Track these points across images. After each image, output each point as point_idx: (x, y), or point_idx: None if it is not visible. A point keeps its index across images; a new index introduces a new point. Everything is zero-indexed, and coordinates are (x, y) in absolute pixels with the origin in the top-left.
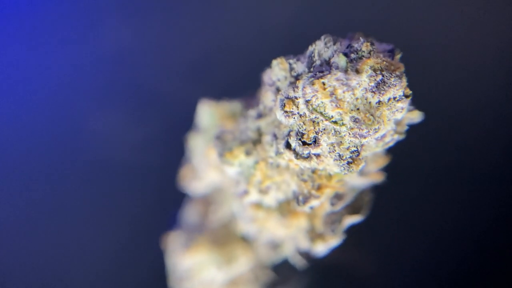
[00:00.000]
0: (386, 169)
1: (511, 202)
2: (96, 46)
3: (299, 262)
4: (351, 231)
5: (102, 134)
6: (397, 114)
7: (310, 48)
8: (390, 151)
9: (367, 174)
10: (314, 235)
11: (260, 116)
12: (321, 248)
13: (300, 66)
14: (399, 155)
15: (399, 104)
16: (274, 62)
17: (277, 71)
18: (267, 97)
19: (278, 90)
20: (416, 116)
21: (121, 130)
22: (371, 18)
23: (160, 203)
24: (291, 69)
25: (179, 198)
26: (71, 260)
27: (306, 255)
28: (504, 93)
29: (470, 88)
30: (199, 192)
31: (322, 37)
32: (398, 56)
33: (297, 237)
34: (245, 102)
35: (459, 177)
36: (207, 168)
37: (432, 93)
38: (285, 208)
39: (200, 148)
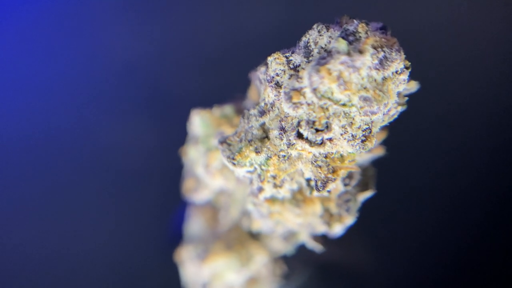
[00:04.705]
0: (385, 167)
1: (509, 198)
2: (98, 49)
3: (316, 247)
4: (350, 228)
5: (109, 139)
6: (400, 86)
7: (304, 38)
8: (389, 147)
9: (369, 150)
10: (329, 217)
11: (263, 113)
12: (338, 229)
13: (297, 58)
14: (397, 152)
15: (402, 77)
16: (270, 58)
17: (274, 66)
18: (267, 93)
19: (278, 84)
20: (413, 86)
21: (127, 135)
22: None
23: (164, 207)
24: (288, 61)
25: (183, 203)
26: (73, 263)
27: (321, 239)
28: (503, 90)
29: (467, 86)
30: (204, 201)
31: (315, 26)
32: (389, 32)
33: (313, 222)
34: (236, 104)
35: (457, 174)
36: (210, 175)
37: (429, 90)
38: (299, 197)
39: (201, 158)
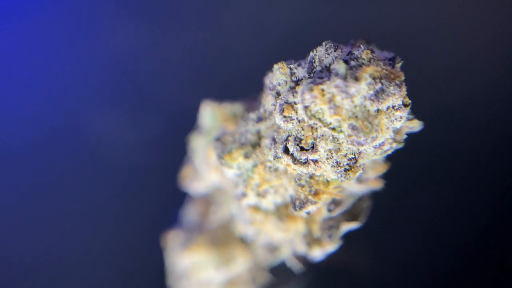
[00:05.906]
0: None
1: (507, 202)
2: (97, 48)
3: (295, 265)
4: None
5: (104, 135)
6: (396, 123)
7: (311, 54)
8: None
9: (366, 181)
10: (311, 239)
11: (260, 119)
12: (317, 253)
13: (300, 71)
14: (397, 153)
15: (398, 113)
16: (275, 67)
17: (278, 75)
18: (268, 101)
19: (278, 94)
20: (416, 125)
21: (123, 131)
22: (375, 22)
23: (162, 203)
24: (292, 74)
25: (180, 198)
26: (71, 259)
27: (302, 259)
28: (501, 93)
29: (467, 88)
30: (200, 192)
31: (323, 43)
32: (398, 65)
33: (294, 240)
34: (247, 104)
35: (455, 178)
36: (208, 169)
37: (429, 94)
38: (283, 212)
39: (202, 149)
